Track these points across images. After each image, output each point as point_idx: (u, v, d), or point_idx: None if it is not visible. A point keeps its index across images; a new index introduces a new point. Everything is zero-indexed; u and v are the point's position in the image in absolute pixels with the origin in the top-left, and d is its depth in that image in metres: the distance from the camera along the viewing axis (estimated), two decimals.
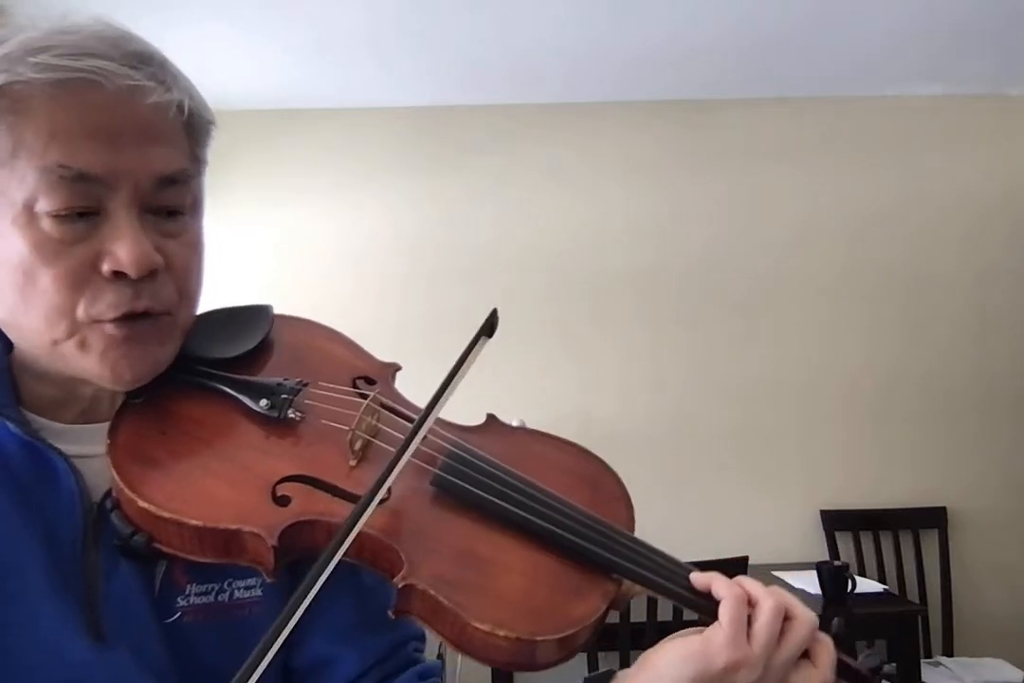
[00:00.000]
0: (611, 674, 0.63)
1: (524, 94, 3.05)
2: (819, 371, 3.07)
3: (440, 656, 2.04)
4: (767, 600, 0.61)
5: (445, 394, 0.62)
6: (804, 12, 2.47)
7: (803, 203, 3.12)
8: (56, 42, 0.59)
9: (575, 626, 0.60)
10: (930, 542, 2.93)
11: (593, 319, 3.07)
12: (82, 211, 0.60)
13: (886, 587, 2.57)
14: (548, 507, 0.66)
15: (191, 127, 0.66)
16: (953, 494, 3.01)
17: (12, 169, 0.59)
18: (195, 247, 0.68)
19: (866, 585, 2.51)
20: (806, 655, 0.62)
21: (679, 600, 0.64)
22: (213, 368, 0.70)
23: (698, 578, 0.64)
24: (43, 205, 0.59)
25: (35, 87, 0.59)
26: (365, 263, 3.08)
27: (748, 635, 0.60)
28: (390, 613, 0.61)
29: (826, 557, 2.83)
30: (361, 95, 3.03)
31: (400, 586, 0.59)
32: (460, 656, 0.61)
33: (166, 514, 0.60)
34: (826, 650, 0.62)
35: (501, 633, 0.58)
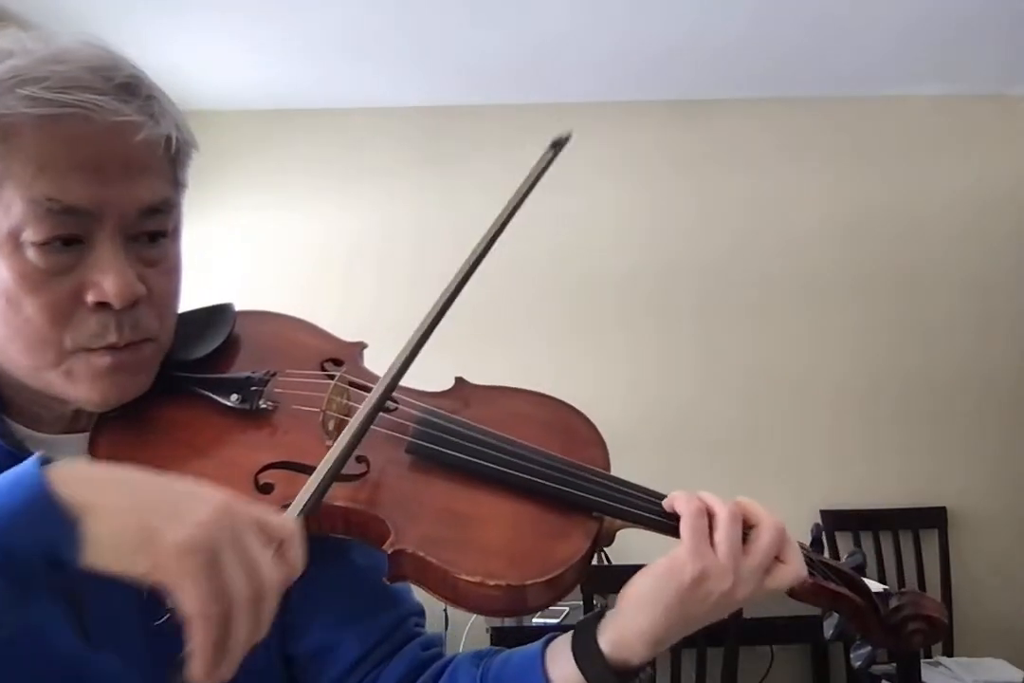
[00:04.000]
0: (600, 615, 0.67)
1: (523, 95, 3.05)
2: (820, 371, 3.07)
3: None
4: (722, 509, 0.64)
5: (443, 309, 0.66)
6: (806, 12, 2.47)
7: (804, 203, 3.12)
8: (46, 73, 0.59)
9: (561, 566, 0.63)
10: (930, 542, 2.93)
11: (592, 320, 3.07)
12: (67, 240, 0.61)
13: (886, 587, 2.55)
14: (520, 457, 0.68)
15: (175, 155, 0.67)
16: (953, 494, 3.01)
17: None
18: (174, 273, 0.69)
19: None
20: (777, 558, 0.65)
21: (658, 528, 0.67)
22: (181, 371, 0.71)
23: (666, 502, 0.67)
24: (29, 235, 0.60)
25: (24, 119, 0.59)
26: (363, 263, 3.08)
27: (711, 544, 0.62)
28: (385, 580, 0.63)
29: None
30: (359, 95, 3.03)
31: (390, 552, 0.62)
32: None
33: None
34: (792, 549, 0.65)
35: (491, 583, 0.61)
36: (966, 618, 2.89)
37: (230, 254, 2.98)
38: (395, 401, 0.73)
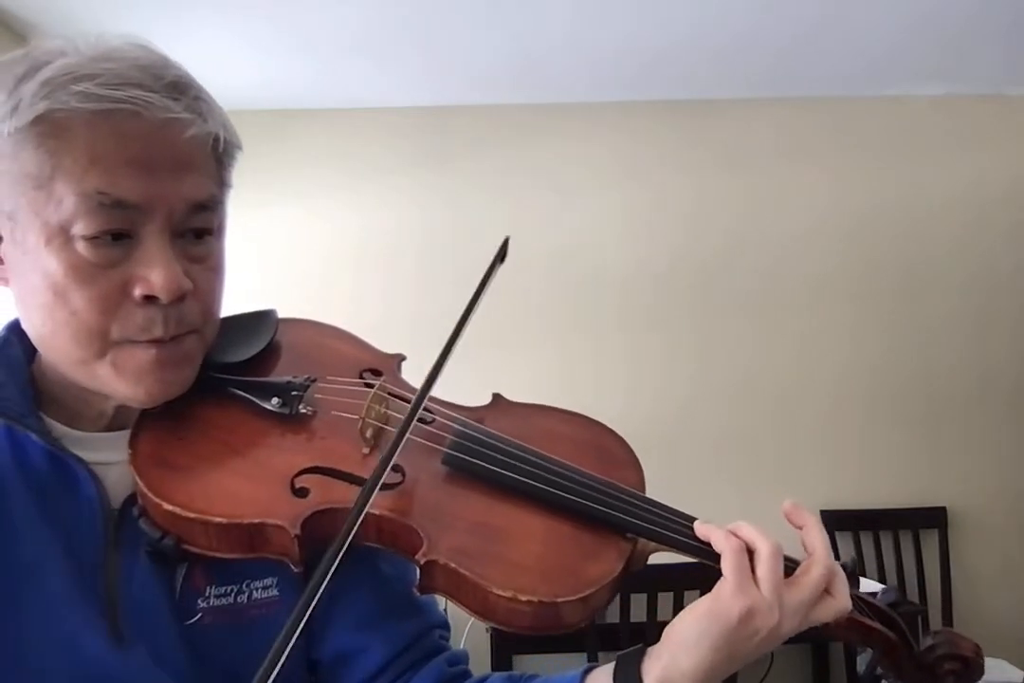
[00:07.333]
0: (642, 651, 0.65)
1: (524, 94, 3.04)
2: (820, 371, 3.07)
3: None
4: (763, 544, 0.62)
5: (460, 334, 0.66)
6: (806, 13, 2.47)
7: (805, 203, 3.12)
8: (98, 70, 0.60)
9: (594, 586, 0.62)
10: (930, 542, 2.93)
11: (592, 321, 3.07)
12: (116, 234, 0.61)
13: (884, 586, 2.56)
14: (556, 474, 0.68)
15: (221, 154, 0.68)
16: (953, 494, 3.01)
17: (49, 192, 0.60)
18: (219, 270, 0.70)
19: (866, 585, 2.51)
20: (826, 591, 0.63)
21: (693, 553, 0.65)
22: (224, 373, 0.71)
23: (699, 529, 0.65)
24: (79, 228, 0.60)
25: (77, 115, 0.59)
26: (364, 264, 3.08)
27: (755, 581, 0.61)
28: (415, 590, 0.63)
29: None
30: (363, 95, 3.03)
31: (422, 562, 0.62)
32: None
33: (191, 514, 0.62)
34: (841, 582, 0.63)
35: (523, 598, 0.60)
36: (966, 618, 2.89)
37: (236, 253, 2.96)
38: (432, 413, 0.72)
